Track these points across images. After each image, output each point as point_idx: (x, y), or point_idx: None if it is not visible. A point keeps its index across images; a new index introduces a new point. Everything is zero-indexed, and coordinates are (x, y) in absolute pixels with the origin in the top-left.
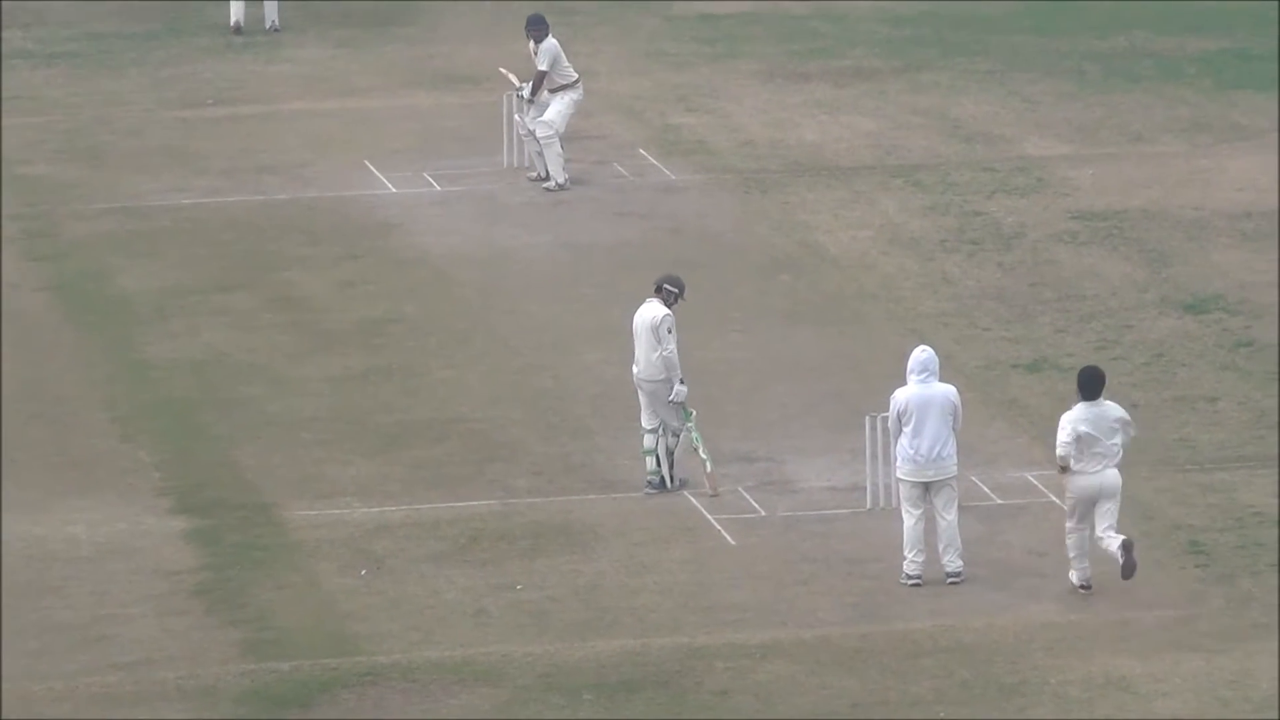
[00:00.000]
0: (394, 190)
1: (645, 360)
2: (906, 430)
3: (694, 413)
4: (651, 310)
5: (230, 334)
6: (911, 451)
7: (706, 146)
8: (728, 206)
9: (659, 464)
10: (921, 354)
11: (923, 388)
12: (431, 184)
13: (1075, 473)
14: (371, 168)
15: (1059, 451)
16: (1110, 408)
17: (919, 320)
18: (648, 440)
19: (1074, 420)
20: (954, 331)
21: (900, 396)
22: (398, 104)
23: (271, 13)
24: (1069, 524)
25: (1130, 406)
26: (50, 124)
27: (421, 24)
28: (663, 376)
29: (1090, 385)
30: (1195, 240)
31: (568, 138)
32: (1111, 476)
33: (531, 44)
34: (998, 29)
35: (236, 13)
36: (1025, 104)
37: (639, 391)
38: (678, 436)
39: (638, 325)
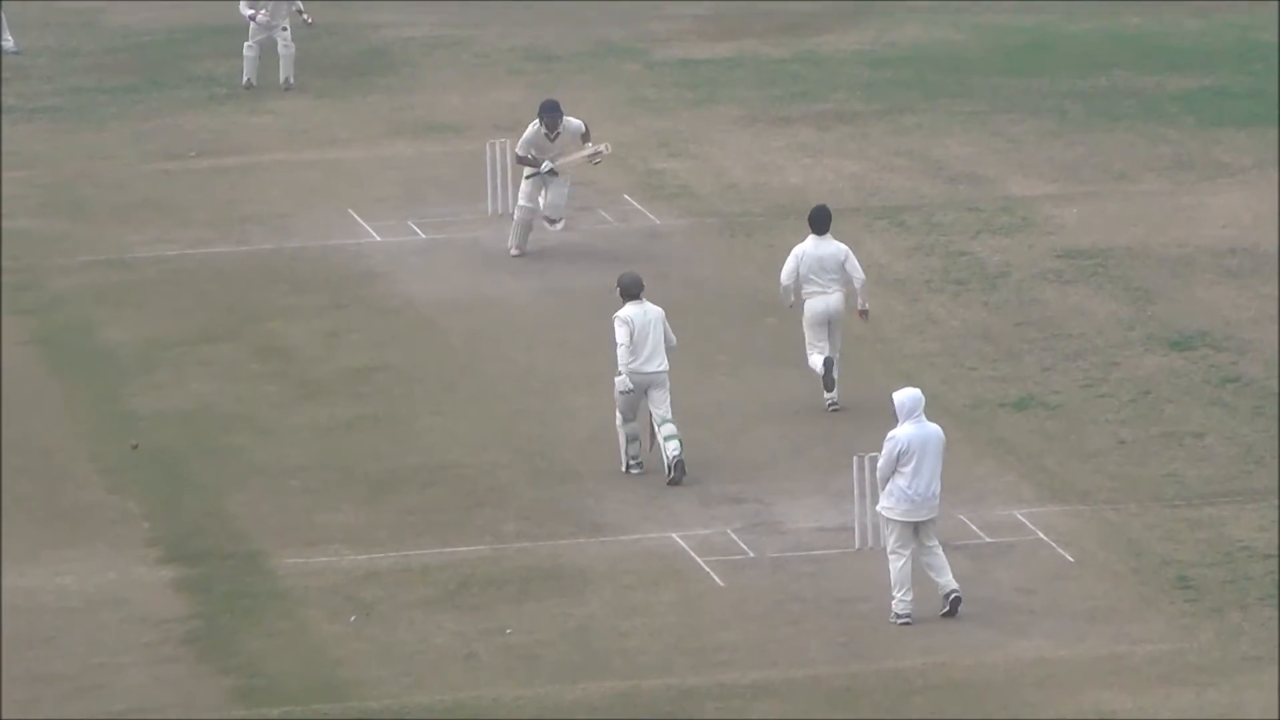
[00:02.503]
0: (378, 239)
1: (657, 353)
2: (905, 470)
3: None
4: (646, 307)
5: (216, 384)
6: (910, 492)
7: (690, 191)
8: (712, 250)
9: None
10: (914, 393)
11: (919, 427)
12: (416, 232)
13: (806, 296)
14: (356, 216)
15: (783, 281)
16: (834, 244)
17: (906, 361)
18: (671, 427)
19: (800, 252)
20: (940, 371)
21: (901, 436)
22: (380, 153)
23: (287, 69)
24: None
25: (1118, 444)
26: (33, 178)
27: (401, 74)
28: (667, 367)
29: (819, 220)
30: (1180, 277)
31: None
32: (836, 299)
33: (546, 128)
34: (979, 70)
35: (250, 70)
36: (1008, 144)
37: (643, 387)
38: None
39: (642, 323)
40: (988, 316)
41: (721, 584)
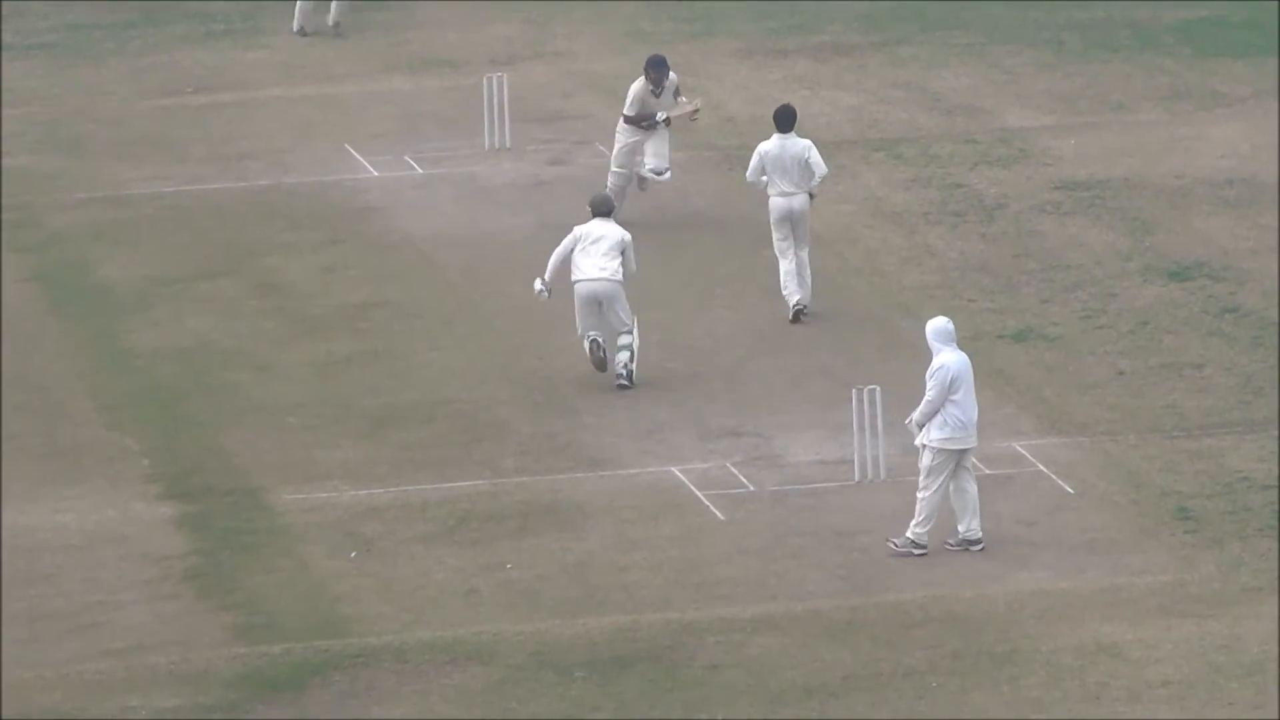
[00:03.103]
0: (375, 174)
1: (600, 263)
2: (955, 398)
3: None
4: (610, 227)
5: (214, 321)
6: (963, 418)
7: (687, 124)
8: (709, 183)
9: (632, 359)
10: (947, 320)
11: (961, 355)
12: (413, 167)
13: (770, 194)
14: (353, 152)
15: (748, 178)
16: (798, 141)
17: (904, 293)
18: (627, 338)
19: (764, 150)
20: (939, 304)
21: (949, 363)
22: (377, 89)
23: (337, 13)
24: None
25: (1117, 375)
26: (30, 115)
27: (398, 9)
28: (620, 279)
29: (783, 119)
30: (1178, 208)
31: (548, 118)
32: (800, 201)
33: (651, 83)
34: (976, 1)
35: (301, 15)
36: (1005, 76)
37: (594, 299)
38: (632, 333)
39: (597, 235)
40: (985, 248)
41: (721, 518)
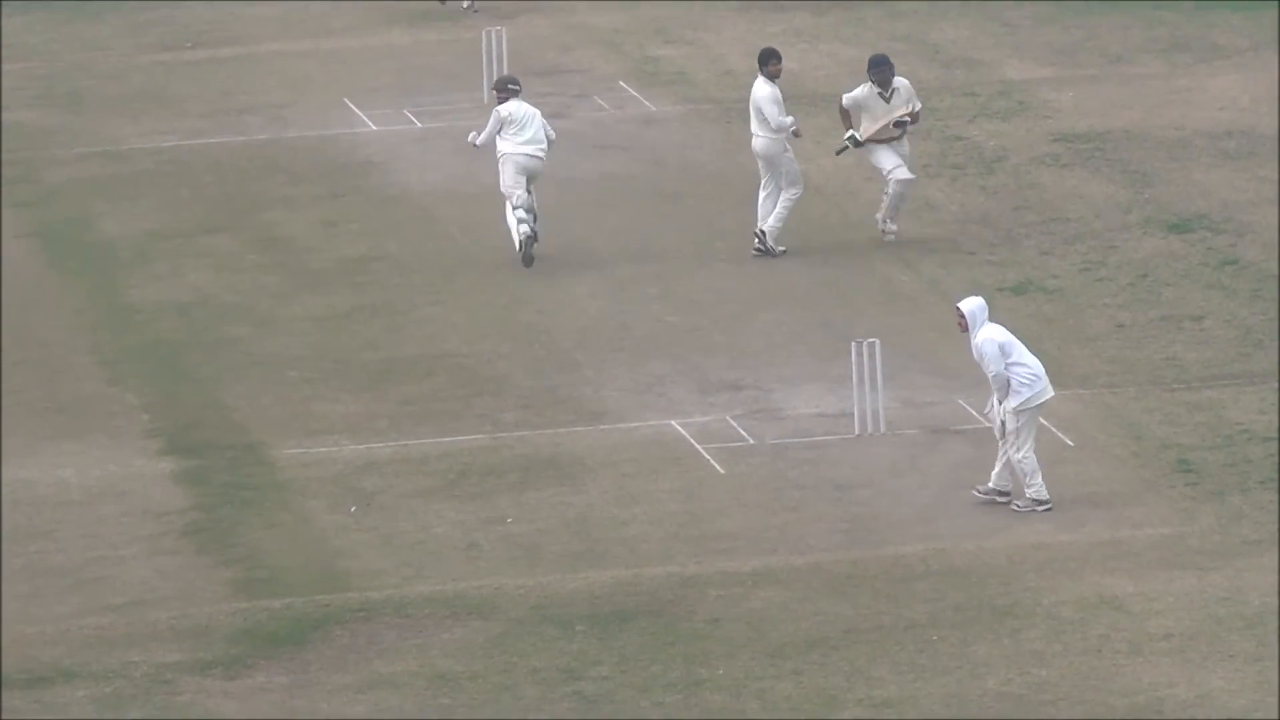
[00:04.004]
0: (374, 128)
1: (536, 139)
2: (1017, 360)
3: None
4: (524, 103)
5: (214, 275)
6: (1031, 374)
7: (686, 78)
8: (709, 137)
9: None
10: (981, 301)
11: (996, 326)
12: (412, 121)
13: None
14: (352, 106)
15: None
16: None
17: (904, 247)
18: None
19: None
20: (939, 257)
21: (993, 335)
22: (375, 43)
23: None
24: None
25: (1117, 327)
26: (29, 70)
27: None
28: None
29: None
30: (1177, 160)
31: (547, 71)
32: (757, 144)
33: (878, 85)
34: None
35: None
36: (1004, 28)
37: (526, 173)
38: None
39: (521, 114)
40: (985, 201)
41: (721, 471)
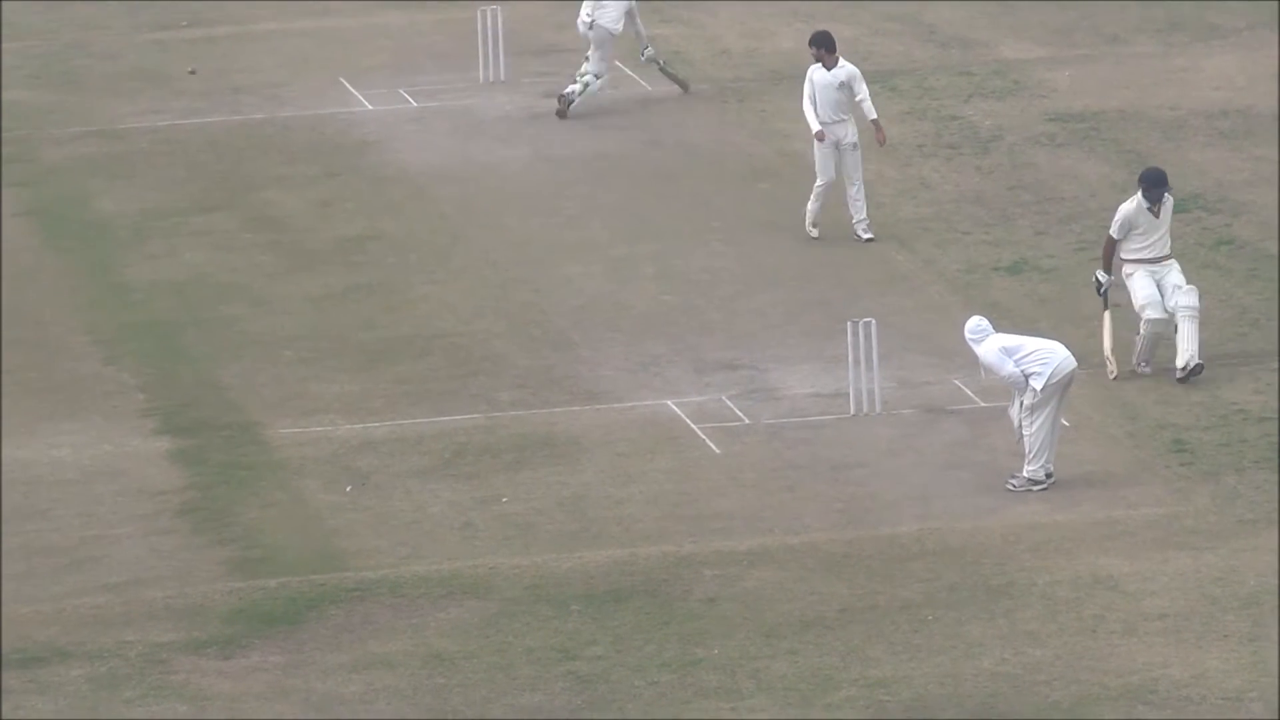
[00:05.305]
0: (370, 108)
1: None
2: (1026, 353)
3: None
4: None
5: (210, 254)
6: (1045, 355)
7: (683, 57)
8: (705, 117)
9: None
10: (979, 319)
11: (999, 335)
12: (408, 100)
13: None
14: (348, 85)
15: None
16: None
17: (899, 226)
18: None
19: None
20: (934, 236)
21: (995, 343)
22: (371, 22)
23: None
24: None
25: (1112, 306)
26: (26, 49)
27: None
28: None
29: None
30: (1172, 140)
31: (543, 51)
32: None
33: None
34: None
35: None
36: (1000, 7)
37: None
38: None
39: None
40: (980, 181)
41: (717, 451)
